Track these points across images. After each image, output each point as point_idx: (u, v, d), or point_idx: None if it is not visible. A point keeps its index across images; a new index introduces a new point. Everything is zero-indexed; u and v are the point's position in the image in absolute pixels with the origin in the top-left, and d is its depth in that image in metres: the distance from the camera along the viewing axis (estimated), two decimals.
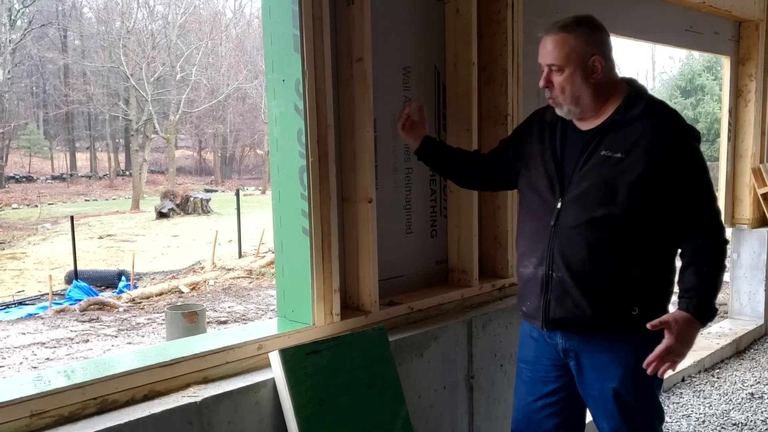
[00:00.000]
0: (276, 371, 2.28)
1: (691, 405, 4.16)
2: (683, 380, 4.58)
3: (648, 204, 2.03)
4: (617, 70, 2.16)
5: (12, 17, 39.00)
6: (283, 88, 2.54)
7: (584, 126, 2.16)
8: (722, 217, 2.12)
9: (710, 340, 5.20)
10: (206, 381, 2.25)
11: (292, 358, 2.26)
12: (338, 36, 2.66)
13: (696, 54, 37.12)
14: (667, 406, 4.15)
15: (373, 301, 2.75)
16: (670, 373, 2.06)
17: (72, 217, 14.91)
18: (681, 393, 4.37)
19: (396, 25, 2.94)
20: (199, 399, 2.10)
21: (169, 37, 37.12)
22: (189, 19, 39.38)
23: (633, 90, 2.12)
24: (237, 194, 16.98)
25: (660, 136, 2.02)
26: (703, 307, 1.99)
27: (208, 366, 2.26)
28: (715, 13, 5.02)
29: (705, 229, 2.03)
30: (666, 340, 1.96)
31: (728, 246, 2.11)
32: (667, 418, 3.96)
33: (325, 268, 2.57)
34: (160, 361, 2.15)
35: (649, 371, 1.98)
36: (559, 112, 2.17)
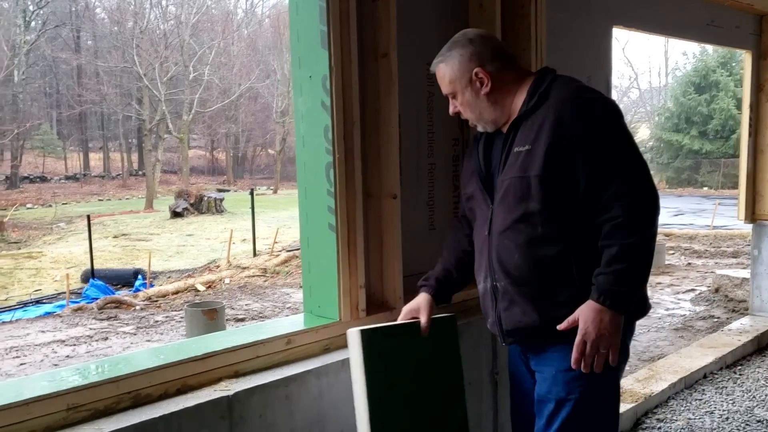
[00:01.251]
0: (353, 351, 2.23)
1: (713, 402, 4.14)
2: (705, 377, 4.56)
3: (560, 192, 1.93)
4: (515, 66, 2.13)
5: (26, 19, 39.37)
6: (310, 84, 2.56)
7: (504, 128, 2.13)
8: (645, 189, 1.88)
9: (731, 336, 5.17)
10: (237, 375, 2.26)
11: (370, 339, 2.21)
12: (363, 32, 2.66)
13: (710, 49, 36.90)
14: (690, 403, 4.14)
15: (398, 297, 2.75)
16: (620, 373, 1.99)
17: (89, 216, 14.99)
18: (703, 390, 4.35)
19: (419, 20, 2.95)
20: (231, 393, 2.11)
21: (182, 36, 37.29)
22: (201, 19, 39.54)
23: (536, 79, 2.05)
24: (251, 194, 17.04)
25: (557, 116, 1.91)
26: (607, 292, 1.85)
27: (238, 360, 2.28)
28: (736, 7, 4.99)
29: (616, 206, 1.85)
30: (578, 334, 1.89)
31: (654, 216, 1.89)
32: (689, 415, 3.95)
33: (351, 264, 2.58)
34: (192, 356, 2.16)
35: (583, 369, 1.90)
36: (479, 129, 2.19)
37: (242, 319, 8.95)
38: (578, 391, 1.98)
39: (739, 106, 35.15)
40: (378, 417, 2.17)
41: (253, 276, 12.84)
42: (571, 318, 1.91)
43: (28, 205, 33.60)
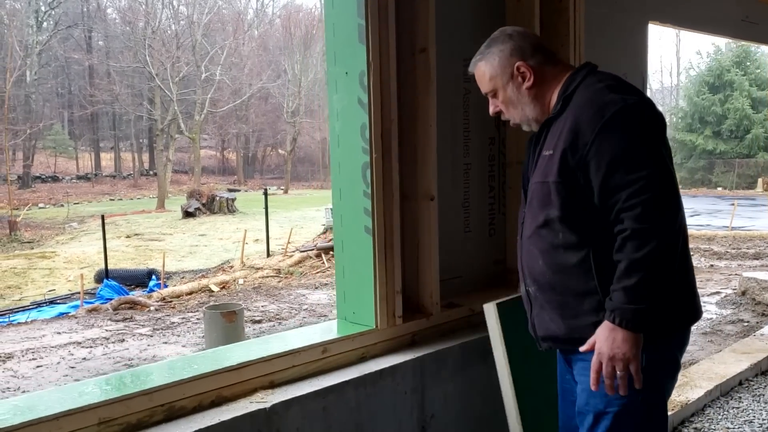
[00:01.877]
0: (491, 324, 2.42)
1: (752, 410, 4.01)
2: (741, 384, 4.42)
3: (578, 199, 1.84)
4: (556, 61, 2.04)
5: (39, 19, 39.56)
6: (345, 81, 2.45)
7: None
8: (657, 199, 1.72)
9: (765, 341, 5.03)
10: (273, 385, 2.16)
11: (505, 310, 2.34)
12: (399, 26, 2.55)
13: (724, 48, 36.61)
14: (727, 411, 4.01)
15: (435, 302, 2.65)
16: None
17: (103, 217, 14.98)
18: (740, 398, 4.21)
19: (455, 15, 2.84)
20: (268, 405, 2.01)
21: (194, 36, 37.34)
22: (213, 19, 39.61)
23: (569, 77, 1.96)
24: (265, 194, 16.93)
25: (575, 121, 1.82)
26: (617, 309, 1.74)
27: (274, 370, 2.18)
28: None
29: (626, 218, 1.73)
30: (594, 354, 1.81)
31: (668, 226, 1.73)
32: (728, 424, 3.82)
33: (388, 268, 2.48)
34: (227, 366, 2.06)
35: (607, 390, 1.81)
36: (525, 128, 2.09)
37: (259, 321, 8.86)
38: (618, 404, 1.86)
39: (754, 106, 35.00)
40: (521, 384, 2.38)
41: (267, 277, 12.76)
42: (591, 340, 1.82)
43: (41, 205, 33.75)
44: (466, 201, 2.98)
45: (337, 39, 2.46)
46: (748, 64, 35.32)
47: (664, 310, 1.82)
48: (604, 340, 1.77)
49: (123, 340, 8.17)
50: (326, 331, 2.54)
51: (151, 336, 8.35)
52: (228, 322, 6.85)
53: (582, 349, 1.85)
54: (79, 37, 45.35)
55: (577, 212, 1.85)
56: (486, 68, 2.02)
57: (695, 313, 2.00)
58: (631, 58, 3.79)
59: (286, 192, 41.08)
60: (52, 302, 12.83)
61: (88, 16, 45.87)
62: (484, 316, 2.85)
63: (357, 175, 2.45)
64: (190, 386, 1.97)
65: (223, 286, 12.36)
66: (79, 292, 12.25)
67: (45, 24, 41.06)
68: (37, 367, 7.23)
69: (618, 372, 1.77)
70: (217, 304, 8.16)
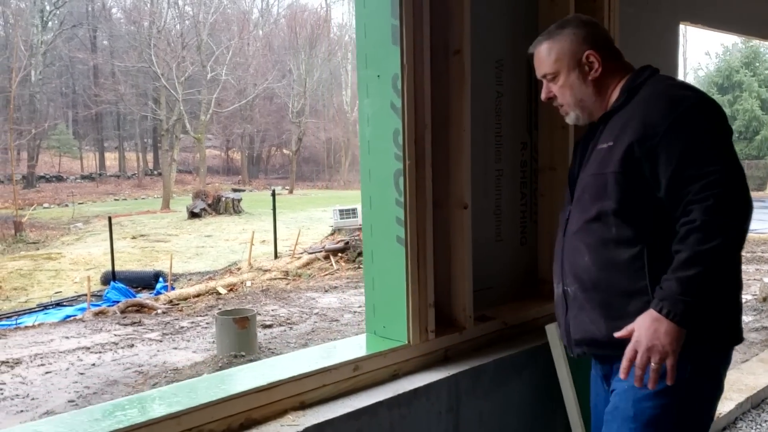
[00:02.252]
0: (554, 344, 2.52)
1: None
2: None
3: (638, 192, 1.79)
4: (620, 59, 2.01)
5: (44, 19, 39.51)
6: (377, 84, 2.34)
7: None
8: (732, 194, 1.66)
9: None
10: (303, 406, 2.05)
11: None
12: (433, 27, 2.43)
13: (733, 49, 36.39)
14: (759, 425, 3.89)
15: (468, 316, 2.54)
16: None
17: (110, 218, 14.85)
18: None
19: (489, 14, 2.72)
20: (300, 429, 1.90)
21: (199, 36, 37.28)
22: (218, 19, 39.55)
23: (634, 74, 1.94)
24: (273, 195, 16.80)
25: (644, 113, 1.79)
26: (667, 299, 1.65)
27: (304, 390, 2.06)
28: None
29: (696, 209, 1.66)
30: (631, 341, 1.71)
31: (740, 223, 1.66)
32: None
33: (420, 280, 2.36)
34: (257, 386, 1.95)
35: (635, 382, 1.71)
36: (569, 120, 2.05)
37: (270, 326, 8.74)
38: (649, 413, 1.78)
39: (763, 107, 34.80)
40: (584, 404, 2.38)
41: (275, 279, 12.64)
42: (629, 326, 1.73)
43: (45, 205, 33.69)
44: (498, 208, 2.86)
45: (368, 40, 2.35)
46: (757, 64, 35.12)
47: (714, 314, 1.74)
48: (645, 329, 1.68)
49: (132, 346, 8.06)
50: (355, 346, 2.43)
51: (161, 341, 8.24)
52: (240, 329, 6.75)
53: (617, 334, 1.75)
54: (84, 36, 45.29)
55: (635, 205, 1.80)
56: (554, 48, 1.96)
57: (739, 334, 1.89)
58: (662, 59, 3.66)
59: (291, 192, 40.96)
60: (58, 304, 12.73)
61: (92, 15, 45.82)
62: (518, 330, 2.76)
63: (389, 183, 2.33)
64: (219, 408, 1.86)
65: (231, 288, 12.25)
66: (85, 294, 12.14)
67: (50, 24, 41.02)
68: (46, 373, 7.13)
69: (652, 364, 1.68)
70: (229, 309, 8.05)
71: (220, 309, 10.10)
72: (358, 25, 2.38)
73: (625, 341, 1.74)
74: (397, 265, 2.35)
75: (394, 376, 2.31)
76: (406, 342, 2.35)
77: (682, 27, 3.92)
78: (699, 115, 1.74)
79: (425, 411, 2.25)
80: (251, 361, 6.51)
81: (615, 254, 1.82)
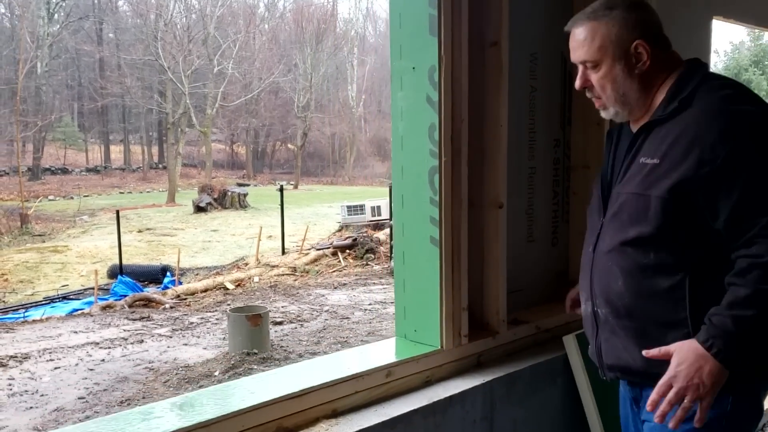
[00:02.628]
0: (572, 355, 2.47)
1: None
2: None
3: (686, 220, 1.60)
4: (670, 51, 1.75)
5: (50, 11, 39.43)
6: (412, 77, 2.23)
7: (635, 126, 1.78)
8: None
9: None
10: (335, 414, 1.95)
11: (586, 341, 2.08)
12: (469, 17, 2.33)
13: (742, 47, 36.14)
14: None
15: (501, 320, 2.44)
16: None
17: (118, 212, 14.77)
18: None
19: (524, 5, 2.61)
20: None
21: (206, 29, 37.18)
22: (224, 13, 39.45)
23: (683, 74, 1.69)
24: (281, 191, 16.70)
25: (698, 133, 1.56)
26: (720, 338, 1.50)
27: (336, 396, 1.97)
28: None
29: (761, 242, 1.50)
30: (666, 373, 1.56)
31: None
32: None
33: (455, 283, 2.26)
34: (289, 393, 1.85)
35: (655, 418, 1.57)
36: (604, 115, 1.81)
37: (280, 323, 8.64)
38: None
39: None
40: (606, 415, 2.36)
41: (283, 275, 12.56)
42: (664, 349, 1.58)
43: (50, 197, 33.68)
44: (530, 208, 2.76)
45: (404, 31, 2.24)
46: (767, 62, 34.86)
47: (763, 350, 1.58)
48: (687, 364, 1.53)
49: (142, 341, 7.98)
50: (385, 351, 2.34)
51: (171, 337, 8.15)
52: (253, 326, 6.66)
53: (649, 354, 1.61)
54: (90, 29, 45.24)
55: (680, 233, 1.61)
56: (598, 33, 1.69)
57: None
58: (694, 54, 3.56)
59: (296, 187, 40.88)
60: (65, 298, 12.67)
61: (98, 8, 45.74)
62: (550, 334, 2.66)
63: (423, 181, 2.23)
64: (250, 416, 1.76)
65: (239, 283, 12.16)
66: (91, 288, 12.08)
67: (56, 16, 40.95)
68: (55, 368, 7.07)
69: (685, 402, 1.53)
70: (240, 306, 7.96)
71: (228, 305, 10.03)
72: (392, 15, 2.28)
73: (661, 372, 1.59)
74: (430, 266, 2.25)
75: (427, 383, 2.22)
76: (439, 347, 2.25)
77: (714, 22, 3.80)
78: (763, 137, 1.54)
79: (460, 419, 2.15)
80: (264, 359, 6.44)
81: (653, 282, 1.65)
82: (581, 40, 1.73)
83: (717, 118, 1.56)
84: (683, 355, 1.54)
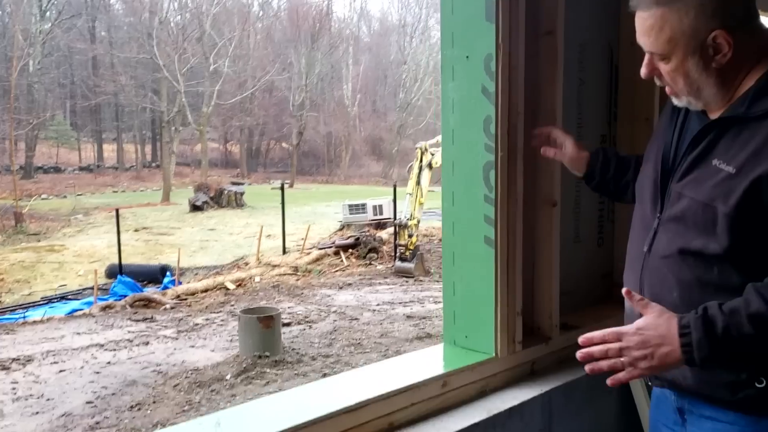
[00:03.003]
0: None
1: None
2: None
3: (758, 236, 1.41)
4: (760, 31, 1.47)
5: (42, 8, 39.14)
6: (466, 66, 2.08)
7: (712, 114, 1.54)
8: None
9: None
10: (392, 428, 1.82)
11: None
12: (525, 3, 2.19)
13: None
14: None
15: (554, 324, 2.31)
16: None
17: (117, 210, 14.58)
18: None
19: None
20: None
21: (202, 27, 36.97)
22: (219, 11, 39.28)
23: None
24: (282, 189, 16.55)
25: None
26: (696, 333, 1.36)
27: (393, 409, 1.83)
28: None
29: None
30: (629, 326, 1.44)
31: None
32: None
33: (510, 286, 2.12)
34: (344, 407, 1.71)
35: (579, 353, 1.46)
36: (678, 103, 1.57)
37: (288, 324, 8.48)
38: None
39: None
40: None
41: (285, 274, 12.40)
42: (646, 303, 1.44)
43: (44, 196, 33.43)
44: (577, 207, 2.62)
45: (456, 17, 2.09)
46: None
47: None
48: (652, 336, 1.39)
49: (147, 343, 7.82)
50: (434, 358, 2.20)
51: (176, 339, 7.99)
52: (265, 328, 6.50)
53: (625, 291, 1.47)
54: (83, 27, 44.92)
55: (753, 250, 1.42)
56: (668, 23, 1.43)
57: None
58: None
59: (291, 186, 40.70)
60: (63, 298, 12.49)
61: (91, 5, 45.43)
62: None
63: (477, 177, 2.08)
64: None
65: (239, 283, 12.00)
66: (90, 288, 11.90)
67: (48, 13, 40.66)
68: (60, 371, 6.89)
69: (618, 361, 1.42)
70: (251, 307, 7.80)
71: (232, 305, 9.88)
72: (443, 1, 2.13)
73: (714, 396, 1.48)
74: (484, 268, 2.10)
75: (482, 393, 2.09)
76: (493, 354, 2.11)
77: None
78: None
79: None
80: (276, 362, 6.29)
81: (714, 300, 1.43)
82: (648, 28, 1.46)
83: None
84: (655, 322, 1.41)
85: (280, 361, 6.38)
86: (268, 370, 6.13)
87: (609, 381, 1.45)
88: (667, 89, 1.56)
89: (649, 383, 1.74)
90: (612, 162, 1.94)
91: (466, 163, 2.11)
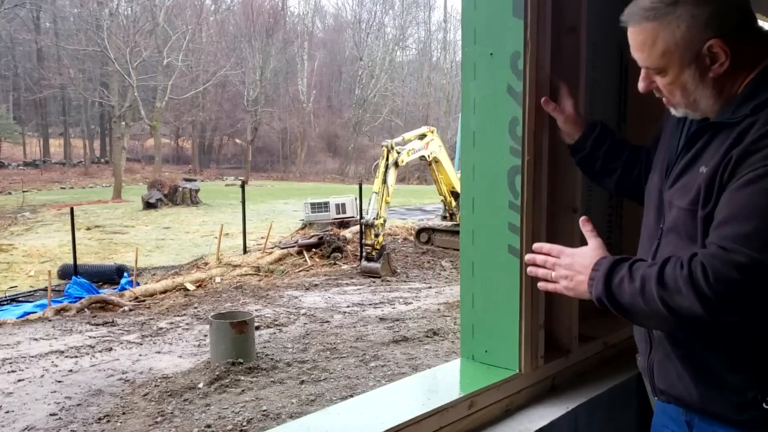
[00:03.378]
0: None
1: None
2: None
3: None
4: (758, 35, 1.43)
5: None
6: (490, 64, 1.96)
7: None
8: (742, 273, 1.25)
9: None
10: None
11: None
12: None
13: None
14: None
15: (573, 337, 2.21)
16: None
17: (72, 209, 14.03)
18: None
19: None
20: None
21: (155, 20, 36.13)
22: (173, 3, 38.45)
23: (764, 70, 1.40)
24: (242, 186, 16.21)
25: (747, 142, 1.32)
26: (601, 279, 1.41)
27: None
28: None
29: (703, 255, 1.30)
30: (570, 249, 1.57)
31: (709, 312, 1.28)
32: None
33: (534, 298, 2.01)
34: None
35: (529, 269, 1.64)
36: (676, 113, 1.53)
37: (257, 327, 8.23)
38: None
39: None
40: None
41: (246, 275, 12.12)
42: (592, 234, 1.56)
43: None
44: (588, 212, 2.52)
45: (480, 12, 1.96)
46: None
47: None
48: (578, 265, 1.51)
49: (111, 349, 7.47)
50: (453, 375, 2.07)
51: (141, 344, 7.66)
52: (238, 334, 6.27)
53: (584, 221, 1.60)
54: (26, 17, 43.44)
55: None
56: (661, 37, 1.39)
57: None
58: None
59: (246, 183, 40.21)
60: (14, 300, 11.95)
61: None
62: (616, 350, 2.45)
63: (501, 183, 1.96)
64: None
65: (200, 284, 11.67)
66: (43, 289, 11.42)
67: None
68: (19, 381, 6.49)
69: (550, 273, 1.57)
70: (223, 312, 7.53)
71: (195, 308, 9.58)
72: None
73: (721, 414, 1.46)
74: (508, 280, 1.98)
75: (507, 412, 1.97)
76: (517, 370, 1.99)
77: None
78: None
79: None
80: (250, 368, 6.06)
81: None
82: (639, 43, 1.44)
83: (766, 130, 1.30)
84: (586, 253, 1.52)
85: (254, 368, 6.15)
86: (242, 378, 5.89)
87: (539, 285, 1.64)
88: (664, 100, 1.54)
89: (653, 396, 1.68)
90: (608, 139, 1.90)
91: (489, 168, 1.99)
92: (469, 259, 2.08)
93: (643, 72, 1.49)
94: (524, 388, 2.03)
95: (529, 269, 1.63)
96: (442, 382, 2.01)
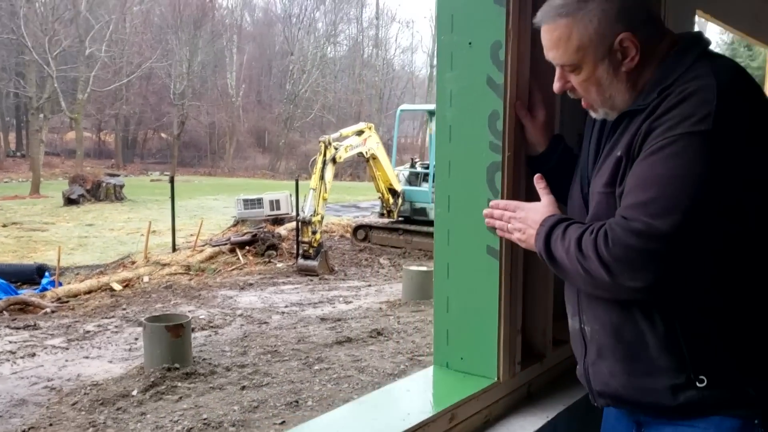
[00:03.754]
0: None
1: None
2: None
3: None
4: (662, 30, 1.50)
5: None
6: (468, 54, 1.84)
7: None
8: (644, 240, 1.29)
9: None
10: None
11: None
12: None
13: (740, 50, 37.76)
14: None
15: (548, 341, 2.15)
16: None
17: None
18: None
19: None
20: None
21: (76, 8, 34.63)
22: None
23: (670, 57, 1.45)
24: (171, 181, 15.61)
25: (652, 118, 1.37)
26: (553, 228, 1.50)
27: None
28: None
29: (612, 225, 1.34)
30: (525, 204, 1.68)
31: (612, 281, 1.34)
32: None
33: (512, 302, 1.91)
34: None
35: (485, 210, 1.75)
36: (595, 115, 1.58)
37: (192, 330, 7.91)
38: None
39: None
40: None
41: (176, 274, 11.69)
42: (545, 191, 1.64)
43: None
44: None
45: None
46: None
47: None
48: (529, 220, 1.61)
49: (34, 355, 7.00)
50: (425, 387, 1.95)
51: (67, 349, 7.21)
52: (174, 338, 5.96)
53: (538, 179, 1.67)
54: None
55: None
56: (575, 32, 1.43)
57: None
58: None
59: (173, 178, 39.13)
60: None
61: None
62: None
63: (479, 180, 1.85)
64: None
65: (127, 284, 11.18)
66: None
67: None
68: None
69: (503, 224, 1.70)
70: (158, 315, 7.15)
71: (124, 309, 9.16)
72: None
73: (657, 402, 1.44)
74: (486, 283, 1.88)
75: (486, 423, 1.88)
76: (496, 378, 1.89)
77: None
78: (699, 118, 1.30)
79: None
80: (187, 374, 5.75)
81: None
82: (554, 40, 1.48)
83: (676, 106, 1.34)
84: (538, 209, 1.61)
85: (191, 373, 5.85)
86: (179, 384, 5.60)
87: (498, 231, 1.74)
88: (583, 102, 1.57)
89: (594, 404, 1.65)
90: (571, 155, 1.87)
91: (467, 164, 1.88)
92: (444, 261, 1.96)
93: (558, 71, 1.53)
94: (502, 397, 1.93)
95: (487, 221, 1.74)
96: (417, 394, 1.88)
